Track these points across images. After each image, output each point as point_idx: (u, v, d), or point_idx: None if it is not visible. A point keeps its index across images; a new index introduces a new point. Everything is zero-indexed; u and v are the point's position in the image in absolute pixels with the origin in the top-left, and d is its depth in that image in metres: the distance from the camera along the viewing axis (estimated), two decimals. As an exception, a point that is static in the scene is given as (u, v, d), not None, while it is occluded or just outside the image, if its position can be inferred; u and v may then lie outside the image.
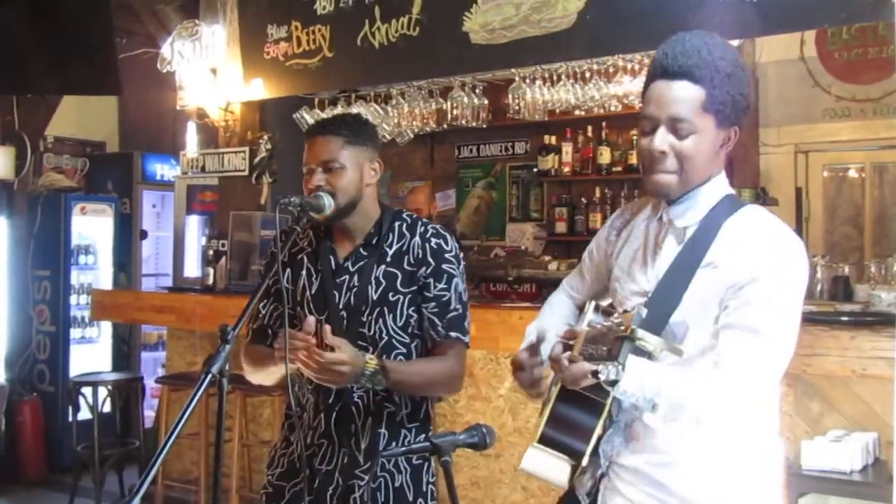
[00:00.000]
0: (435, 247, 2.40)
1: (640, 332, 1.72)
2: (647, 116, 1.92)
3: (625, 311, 1.75)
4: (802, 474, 3.22)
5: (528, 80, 5.49)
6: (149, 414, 6.54)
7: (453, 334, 2.39)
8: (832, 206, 7.16)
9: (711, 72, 1.86)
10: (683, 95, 1.87)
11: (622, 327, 1.70)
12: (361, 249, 2.42)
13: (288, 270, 2.48)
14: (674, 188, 1.94)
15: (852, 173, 7.21)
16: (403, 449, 1.87)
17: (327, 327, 2.21)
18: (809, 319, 3.64)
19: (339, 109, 6.36)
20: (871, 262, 4.88)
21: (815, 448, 3.25)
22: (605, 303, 2.07)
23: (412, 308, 2.39)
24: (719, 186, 1.98)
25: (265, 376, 2.44)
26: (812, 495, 3.26)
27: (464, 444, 1.90)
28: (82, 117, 7.96)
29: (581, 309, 2.21)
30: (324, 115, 6.11)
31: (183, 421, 1.63)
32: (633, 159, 6.56)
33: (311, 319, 2.27)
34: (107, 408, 6.24)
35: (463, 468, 4.36)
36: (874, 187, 7.05)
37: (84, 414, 6.02)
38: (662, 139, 1.90)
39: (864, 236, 6.97)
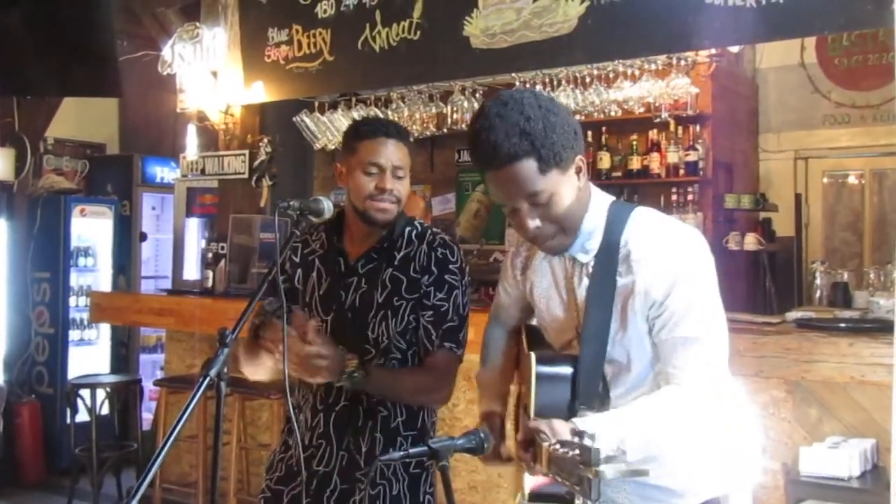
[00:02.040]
0: (440, 256, 2.41)
1: (604, 470, 1.67)
2: (503, 204, 1.92)
3: (580, 435, 1.62)
4: (800, 480, 3.22)
5: (528, 85, 5.50)
6: (147, 416, 6.53)
7: (447, 345, 2.38)
8: (831, 212, 7.18)
9: (526, 140, 1.82)
10: (520, 175, 1.84)
11: (582, 467, 1.58)
12: (372, 253, 2.43)
13: (299, 271, 2.50)
14: (567, 244, 1.96)
15: (852, 179, 7.23)
16: (401, 453, 1.86)
17: (312, 323, 2.21)
18: (808, 326, 3.65)
19: (339, 113, 6.37)
20: (870, 269, 4.90)
21: (814, 454, 3.25)
22: (542, 350, 2.07)
23: (412, 315, 2.39)
24: (597, 205, 1.98)
25: (255, 369, 2.42)
26: (810, 501, 3.26)
27: (462, 448, 1.90)
28: (82, 119, 7.96)
29: (518, 332, 2.27)
30: (324, 119, 6.17)
31: (181, 424, 1.63)
32: (634, 164, 6.57)
33: (300, 314, 2.28)
34: (105, 410, 6.24)
35: (461, 472, 4.36)
36: (874, 194, 7.06)
37: (82, 416, 6.02)
38: (530, 217, 1.89)
39: (863, 243, 6.99)
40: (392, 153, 2.38)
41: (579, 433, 1.60)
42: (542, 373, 1.93)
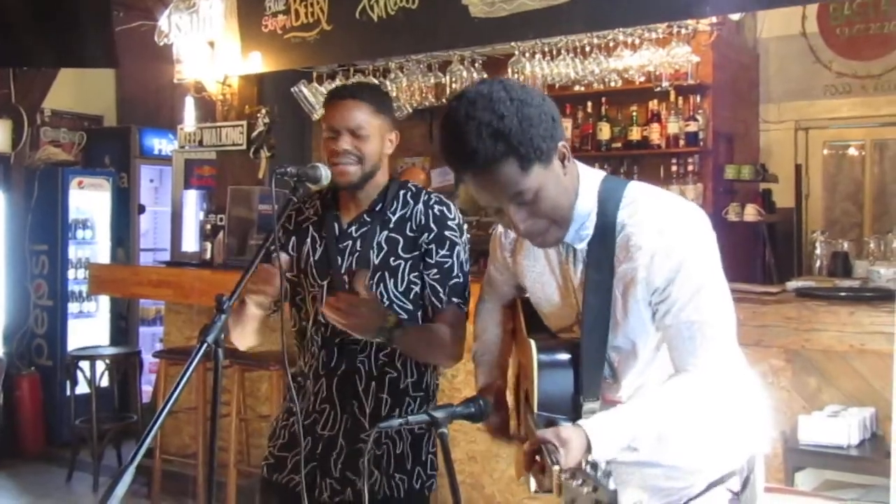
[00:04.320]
0: (438, 213, 2.41)
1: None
2: (488, 206, 1.82)
3: (595, 467, 1.57)
4: (799, 449, 3.23)
5: (527, 55, 5.45)
6: (147, 389, 6.55)
7: (455, 300, 2.39)
8: (832, 182, 7.16)
9: (502, 142, 1.68)
10: (501, 178, 1.72)
11: (588, 489, 1.56)
12: (365, 216, 2.43)
13: (293, 238, 2.50)
14: (562, 235, 1.86)
15: (852, 150, 7.20)
16: (400, 420, 1.86)
17: (362, 271, 2.25)
18: (808, 295, 3.64)
19: (337, 84, 6.32)
20: (870, 239, 4.89)
21: (813, 423, 3.26)
22: (542, 334, 2.00)
23: (413, 274, 2.39)
24: (588, 187, 1.87)
25: (242, 332, 2.37)
26: (808, 470, 3.27)
27: (461, 415, 1.89)
28: (80, 91, 7.92)
29: (512, 306, 2.20)
30: (322, 90, 6.12)
31: (179, 389, 1.62)
32: (633, 135, 6.54)
33: (284, 256, 2.34)
34: (105, 382, 6.27)
35: (460, 443, 4.37)
36: (874, 164, 7.04)
37: (82, 388, 6.04)
38: (518, 216, 1.78)
39: (863, 213, 6.98)
40: (349, 114, 2.35)
41: (594, 465, 1.53)
42: (544, 361, 1.87)
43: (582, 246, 1.88)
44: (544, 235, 1.84)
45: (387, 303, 2.37)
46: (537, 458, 1.68)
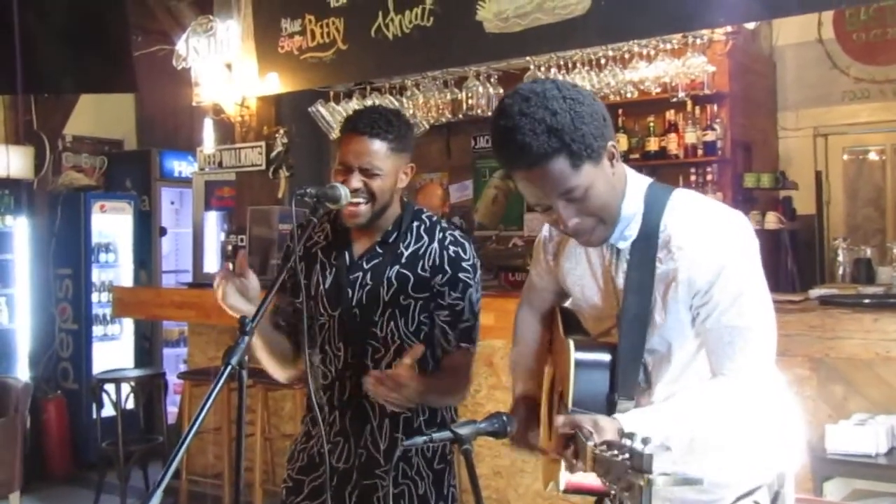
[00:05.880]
0: (453, 255, 2.36)
1: (657, 479, 1.60)
2: (537, 203, 1.82)
3: (630, 437, 1.54)
4: (826, 458, 3.20)
5: (543, 69, 5.47)
6: (172, 410, 6.57)
7: (464, 345, 2.36)
8: (853, 188, 7.11)
9: (555, 138, 1.70)
10: (552, 174, 1.73)
11: (632, 472, 1.50)
12: (377, 247, 2.39)
13: (302, 265, 2.44)
14: (607, 234, 1.87)
15: (872, 156, 7.15)
16: (424, 437, 1.85)
17: (418, 348, 2.21)
18: (832, 302, 3.62)
19: (353, 103, 6.36)
20: (893, 245, 4.85)
21: (839, 432, 3.23)
22: (579, 336, 2.00)
23: (424, 315, 2.35)
24: (635, 189, 1.89)
25: (269, 361, 2.41)
26: (837, 479, 3.24)
27: (485, 432, 1.88)
28: (100, 116, 8.01)
29: (550, 315, 2.20)
30: (339, 109, 6.16)
31: (204, 412, 1.63)
32: (651, 146, 6.54)
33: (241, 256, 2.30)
34: (130, 404, 6.28)
35: (485, 458, 4.36)
36: (895, 169, 6.99)
37: (108, 411, 6.06)
38: (567, 214, 1.79)
39: (885, 218, 6.92)
40: (362, 151, 2.27)
41: (629, 435, 1.52)
42: (581, 360, 1.87)
43: (625, 246, 1.89)
44: (591, 234, 1.85)
45: (397, 341, 2.34)
46: (570, 444, 1.69)
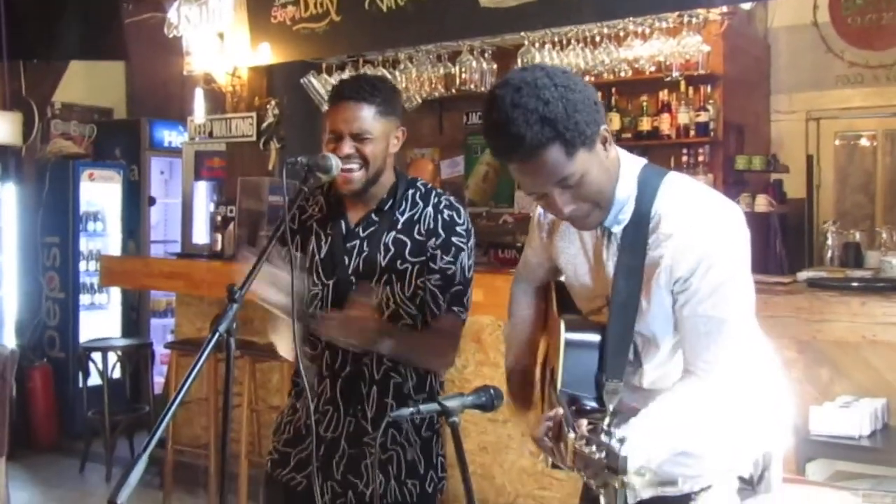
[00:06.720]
0: (447, 219, 2.36)
1: (632, 481, 1.59)
2: (532, 192, 1.83)
3: (609, 435, 1.57)
4: (810, 439, 3.22)
5: (537, 45, 5.43)
6: (158, 380, 6.58)
7: (454, 309, 2.35)
8: (843, 173, 7.12)
9: (549, 127, 1.70)
10: (547, 163, 1.73)
11: (608, 471, 1.54)
12: (373, 215, 2.39)
13: (297, 238, 2.42)
14: (603, 218, 1.87)
15: (864, 140, 7.16)
16: (411, 409, 1.85)
17: (368, 288, 2.24)
18: (820, 285, 3.63)
19: (346, 75, 6.31)
20: (882, 229, 4.87)
21: (824, 413, 3.25)
22: (571, 314, 2.02)
23: (420, 279, 2.35)
24: (628, 172, 1.88)
25: (274, 334, 2.42)
26: (820, 460, 3.27)
27: (472, 405, 1.89)
28: (90, 84, 7.93)
29: (545, 288, 2.23)
30: (332, 81, 6.11)
31: (191, 379, 1.62)
32: (644, 125, 6.53)
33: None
34: (117, 374, 6.29)
35: (471, 433, 4.37)
36: (886, 154, 7.01)
37: (94, 380, 6.07)
38: (563, 201, 1.79)
39: (875, 203, 6.94)
40: (352, 117, 2.27)
41: (608, 433, 1.54)
42: (571, 340, 1.89)
43: (618, 230, 1.89)
44: (586, 219, 1.86)
45: (392, 307, 2.34)
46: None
